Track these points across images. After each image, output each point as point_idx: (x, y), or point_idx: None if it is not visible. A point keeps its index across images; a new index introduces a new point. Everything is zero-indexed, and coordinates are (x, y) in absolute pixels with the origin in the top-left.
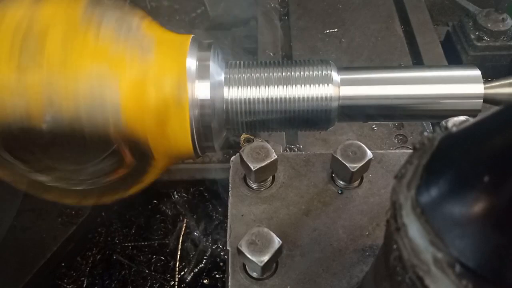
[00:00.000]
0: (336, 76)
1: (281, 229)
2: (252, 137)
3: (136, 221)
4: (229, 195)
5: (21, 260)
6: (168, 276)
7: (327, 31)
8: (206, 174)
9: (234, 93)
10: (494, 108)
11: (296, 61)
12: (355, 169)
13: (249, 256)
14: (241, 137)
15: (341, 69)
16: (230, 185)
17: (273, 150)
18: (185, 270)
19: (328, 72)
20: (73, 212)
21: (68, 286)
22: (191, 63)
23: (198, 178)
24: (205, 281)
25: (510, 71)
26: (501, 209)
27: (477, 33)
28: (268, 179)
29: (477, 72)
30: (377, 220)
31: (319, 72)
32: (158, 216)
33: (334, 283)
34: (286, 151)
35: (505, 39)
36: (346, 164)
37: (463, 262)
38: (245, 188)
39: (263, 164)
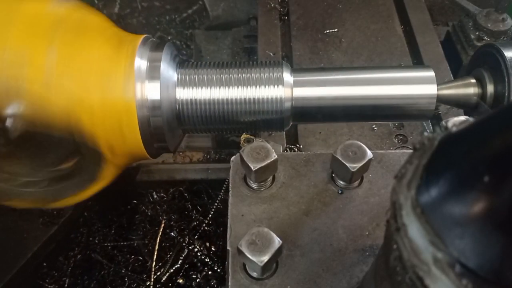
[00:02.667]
0: (288, 77)
1: (281, 229)
2: (252, 137)
3: (117, 221)
4: (229, 195)
5: (2, 259)
6: (145, 276)
7: (327, 31)
8: (186, 175)
9: (186, 93)
10: (494, 108)
11: (250, 63)
12: (355, 169)
13: (249, 256)
14: (241, 137)
15: (295, 70)
16: (230, 185)
17: (273, 150)
18: (162, 270)
19: (280, 73)
20: (55, 212)
21: (49, 286)
22: (141, 63)
23: (177, 178)
24: (180, 280)
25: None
26: (501, 209)
27: (477, 33)
28: (268, 179)
29: (431, 73)
30: (377, 220)
31: (272, 74)
32: (137, 216)
33: (334, 283)
34: (286, 151)
35: (505, 39)
36: (346, 164)
37: (463, 262)
38: (245, 188)
39: (263, 164)
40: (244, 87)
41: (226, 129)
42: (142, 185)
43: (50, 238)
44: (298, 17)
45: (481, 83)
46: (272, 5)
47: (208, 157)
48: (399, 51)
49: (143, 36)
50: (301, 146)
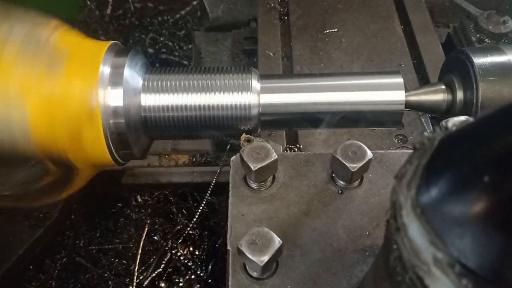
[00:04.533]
0: (256, 84)
1: (281, 229)
2: (252, 137)
3: (103, 224)
4: (229, 195)
5: None
6: (128, 280)
7: (327, 31)
8: (171, 178)
9: (152, 100)
10: (494, 108)
11: (218, 69)
12: (355, 169)
13: (249, 256)
14: (241, 137)
15: (263, 77)
16: (230, 185)
17: (273, 150)
18: (144, 274)
19: (248, 80)
20: (41, 215)
21: None
22: (104, 70)
23: (163, 181)
24: (162, 284)
25: None
26: (501, 209)
27: (478, 35)
28: (268, 179)
29: (399, 80)
30: (377, 220)
31: (239, 80)
32: (122, 220)
33: (334, 283)
34: (286, 151)
35: (506, 41)
36: (346, 164)
37: (463, 262)
38: (245, 188)
39: (263, 164)
40: (211, 93)
41: (194, 135)
42: (127, 188)
43: (36, 241)
44: (298, 17)
45: (451, 90)
46: (272, 5)
47: (194, 160)
48: (399, 51)
49: (110, 42)
50: (301, 146)
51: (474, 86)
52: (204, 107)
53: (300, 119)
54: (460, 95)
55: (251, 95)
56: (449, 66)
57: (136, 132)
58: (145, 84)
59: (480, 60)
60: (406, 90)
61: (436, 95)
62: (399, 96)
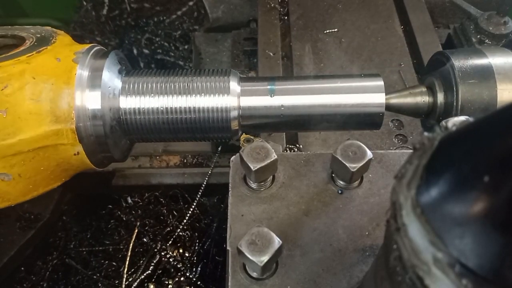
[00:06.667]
0: (235, 86)
1: (281, 229)
2: (252, 137)
3: (94, 226)
4: (229, 195)
5: None
6: (117, 282)
7: (327, 31)
8: (162, 179)
9: (131, 102)
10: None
11: (198, 71)
12: (355, 169)
13: (249, 256)
14: (241, 137)
15: (244, 79)
16: (230, 185)
17: (273, 150)
18: (133, 276)
19: (227, 83)
20: (32, 217)
21: None
22: (82, 72)
23: (153, 183)
24: (151, 286)
25: None
26: (501, 209)
27: (478, 36)
28: (268, 179)
29: (380, 83)
30: (377, 220)
31: (219, 83)
32: (112, 221)
33: (334, 283)
34: (286, 151)
35: (506, 42)
36: (346, 164)
37: (463, 262)
38: (245, 188)
39: (263, 164)
40: (191, 95)
41: (174, 138)
42: (117, 190)
43: (27, 242)
44: (298, 17)
45: (432, 92)
46: (272, 5)
47: (185, 161)
48: (399, 51)
49: (89, 45)
50: (301, 146)
51: (454, 88)
52: (184, 109)
53: (280, 121)
54: (440, 97)
55: (231, 97)
56: (431, 68)
57: (115, 135)
58: (125, 86)
59: (460, 62)
60: (387, 92)
61: (417, 98)
62: (379, 98)
